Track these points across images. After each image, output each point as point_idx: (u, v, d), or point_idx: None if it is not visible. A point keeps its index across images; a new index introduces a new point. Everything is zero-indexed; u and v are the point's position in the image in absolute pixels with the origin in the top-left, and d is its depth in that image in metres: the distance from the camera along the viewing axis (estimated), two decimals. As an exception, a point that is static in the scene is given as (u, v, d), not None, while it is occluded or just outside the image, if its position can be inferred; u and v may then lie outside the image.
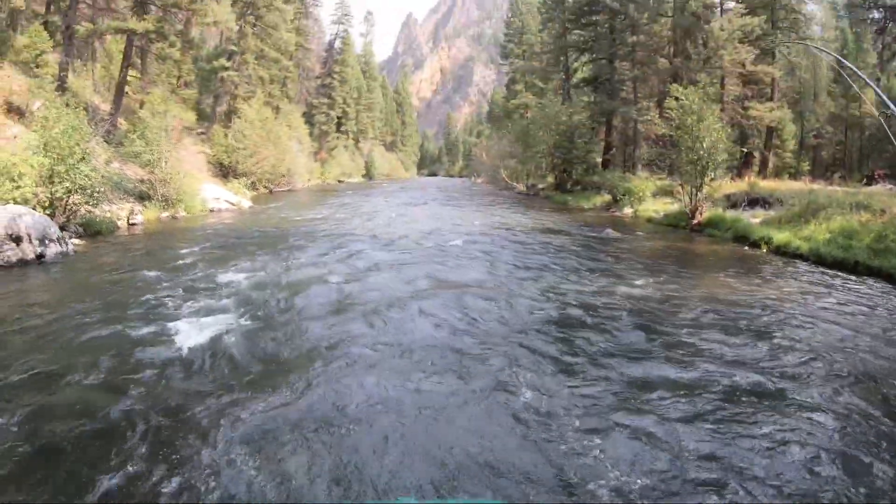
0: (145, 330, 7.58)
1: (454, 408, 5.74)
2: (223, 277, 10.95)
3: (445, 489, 4.32)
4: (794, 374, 6.69)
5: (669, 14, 36.69)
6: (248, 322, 8.16)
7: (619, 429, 5.29)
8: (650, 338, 7.98)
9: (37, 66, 23.20)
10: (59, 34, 25.20)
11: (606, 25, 41.11)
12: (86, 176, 15.46)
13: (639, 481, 4.47)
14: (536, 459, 4.76)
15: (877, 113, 34.94)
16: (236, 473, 4.45)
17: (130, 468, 4.45)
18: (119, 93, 27.68)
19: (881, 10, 20.99)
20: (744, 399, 5.99)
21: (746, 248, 17.05)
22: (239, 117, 38.74)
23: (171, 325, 7.81)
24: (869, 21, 25.54)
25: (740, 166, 33.47)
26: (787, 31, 35.20)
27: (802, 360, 7.17)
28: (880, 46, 32.67)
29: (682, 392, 6.12)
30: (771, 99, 34.68)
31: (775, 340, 7.94)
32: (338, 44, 78.29)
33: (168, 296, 9.39)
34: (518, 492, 4.34)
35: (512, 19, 73.88)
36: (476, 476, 4.52)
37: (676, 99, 22.34)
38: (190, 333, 7.47)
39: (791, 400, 5.99)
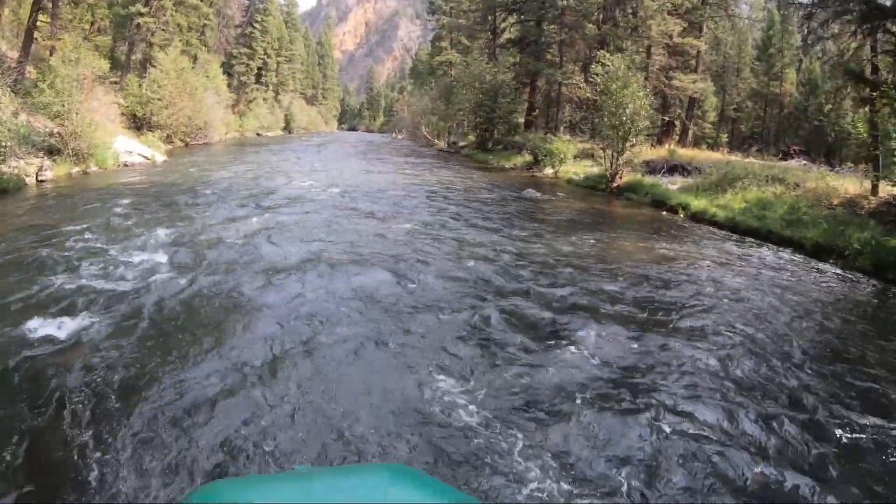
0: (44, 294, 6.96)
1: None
2: (133, 241, 10.00)
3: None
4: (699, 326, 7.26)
5: (601, -20, 36.66)
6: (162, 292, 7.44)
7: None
8: (564, 292, 8.28)
9: (-61, 10, 20.92)
10: (-37, -26, 22.82)
11: (537, -13, 40.82)
12: (-9, 130, 14.09)
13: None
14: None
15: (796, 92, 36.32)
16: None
17: None
18: (28, 39, 25.22)
19: (811, -5, 21.41)
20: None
21: (664, 212, 17.44)
22: (154, 66, 36.45)
23: (72, 296, 7.05)
24: (797, 4, 26.27)
25: (661, 134, 34.15)
26: (716, 7, 35.83)
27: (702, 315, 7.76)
28: (806, 31, 33.82)
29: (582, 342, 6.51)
30: (695, 71, 35.35)
31: (688, 300, 8.38)
32: (260, -9, 74.85)
33: (75, 261, 8.52)
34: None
35: (441, -25, 72.44)
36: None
37: (603, 65, 22.48)
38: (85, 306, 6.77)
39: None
